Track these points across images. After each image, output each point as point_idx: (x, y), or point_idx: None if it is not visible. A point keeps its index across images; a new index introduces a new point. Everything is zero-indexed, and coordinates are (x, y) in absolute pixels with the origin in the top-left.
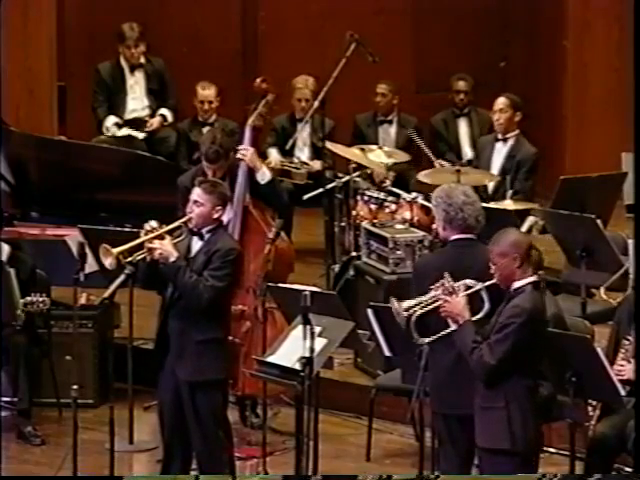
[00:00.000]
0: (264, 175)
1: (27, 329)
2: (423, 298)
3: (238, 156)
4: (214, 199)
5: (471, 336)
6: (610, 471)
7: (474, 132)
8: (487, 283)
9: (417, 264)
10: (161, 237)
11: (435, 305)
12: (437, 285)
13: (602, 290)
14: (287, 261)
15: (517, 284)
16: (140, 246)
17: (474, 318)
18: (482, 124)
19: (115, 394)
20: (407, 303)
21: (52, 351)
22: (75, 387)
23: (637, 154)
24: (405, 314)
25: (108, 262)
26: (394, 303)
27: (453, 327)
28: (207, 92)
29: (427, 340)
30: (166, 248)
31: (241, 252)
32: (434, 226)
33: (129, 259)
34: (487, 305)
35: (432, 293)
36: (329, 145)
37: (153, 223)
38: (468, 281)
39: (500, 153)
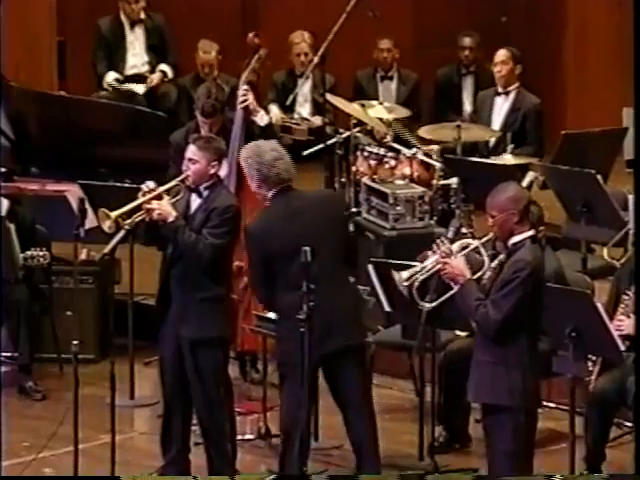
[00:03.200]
0: (263, 118)
1: (28, 285)
2: (423, 265)
3: (239, 101)
4: (209, 155)
5: (474, 294)
6: (610, 425)
7: (479, 90)
8: (483, 240)
9: (255, 230)
10: (159, 197)
11: (435, 270)
12: (434, 249)
13: (605, 251)
14: None
15: (515, 239)
16: (138, 208)
17: (475, 277)
18: (488, 82)
19: (116, 349)
20: (407, 273)
21: (53, 307)
22: (76, 342)
23: (637, 110)
24: (407, 283)
25: (107, 226)
26: (395, 275)
27: (455, 288)
28: (208, 56)
29: (432, 305)
30: (164, 208)
31: (239, 208)
32: (434, 182)
33: (128, 221)
34: (487, 262)
35: (431, 259)
36: (330, 98)
37: (150, 184)
38: (464, 240)
39: (501, 108)
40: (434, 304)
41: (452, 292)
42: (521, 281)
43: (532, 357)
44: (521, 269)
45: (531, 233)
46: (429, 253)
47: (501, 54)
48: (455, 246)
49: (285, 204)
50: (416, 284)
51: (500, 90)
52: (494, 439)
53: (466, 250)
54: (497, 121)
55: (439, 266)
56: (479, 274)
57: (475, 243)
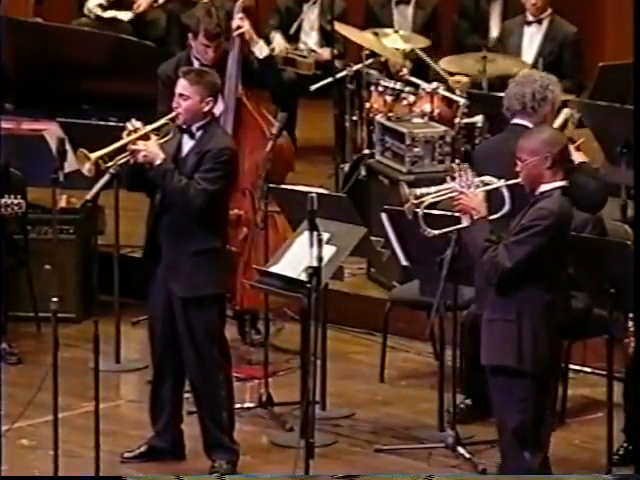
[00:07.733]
0: (262, 49)
1: (1, 235)
2: (438, 187)
3: (234, 28)
4: (202, 90)
5: (485, 235)
6: None
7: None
8: (510, 182)
9: None
10: (145, 137)
11: (450, 196)
12: (455, 176)
13: None
14: (285, 159)
15: (544, 187)
16: (122, 149)
17: (491, 217)
18: (516, 9)
19: (100, 307)
20: (420, 190)
21: (29, 260)
22: (55, 300)
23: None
24: (415, 202)
25: (86, 169)
26: (404, 188)
27: (465, 223)
28: None
29: (437, 232)
30: (151, 150)
31: (236, 151)
32: (457, 120)
33: (110, 164)
34: (508, 205)
35: (448, 184)
36: (339, 27)
37: (136, 122)
38: (488, 177)
39: (534, 38)
40: (440, 231)
41: (461, 226)
42: (540, 230)
43: (549, 318)
44: (543, 217)
45: (562, 183)
46: (448, 179)
47: None
48: (477, 179)
49: None
50: (423, 206)
51: (531, 19)
52: (500, 411)
53: (488, 187)
54: (529, 53)
55: (455, 194)
56: (495, 216)
57: (500, 183)
